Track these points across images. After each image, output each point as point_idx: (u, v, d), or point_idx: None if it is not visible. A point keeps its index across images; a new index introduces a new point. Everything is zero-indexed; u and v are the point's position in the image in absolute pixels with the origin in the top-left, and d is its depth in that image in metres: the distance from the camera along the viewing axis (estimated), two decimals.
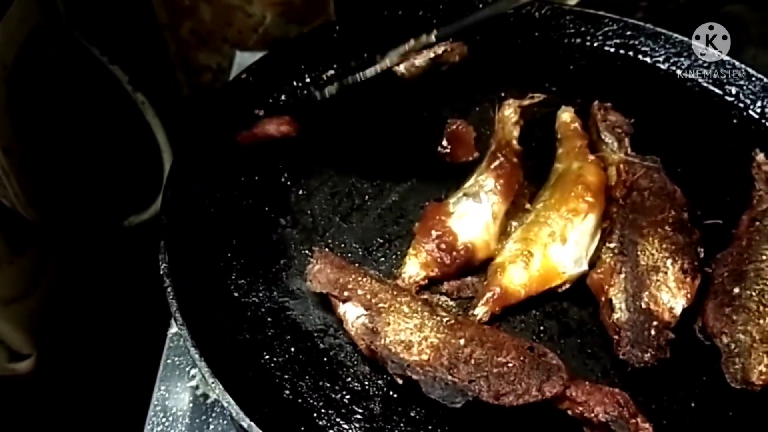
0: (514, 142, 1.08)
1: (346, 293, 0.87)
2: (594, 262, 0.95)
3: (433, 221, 0.97)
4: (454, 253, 0.94)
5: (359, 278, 0.89)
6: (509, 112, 1.12)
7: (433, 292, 0.95)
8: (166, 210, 0.97)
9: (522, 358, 0.79)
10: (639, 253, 0.92)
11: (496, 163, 1.03)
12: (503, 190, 1.00)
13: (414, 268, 0.94)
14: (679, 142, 1.15)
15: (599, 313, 0.91)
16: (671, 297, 0.88)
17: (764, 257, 0.92)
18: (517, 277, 0.91)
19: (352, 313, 0.87)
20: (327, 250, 0.95)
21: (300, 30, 1.65)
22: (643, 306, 0.88)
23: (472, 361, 0.79)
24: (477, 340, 0.81)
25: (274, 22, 1.65)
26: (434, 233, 0.95)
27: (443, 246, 0.94)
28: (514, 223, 1.00)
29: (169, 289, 0.87)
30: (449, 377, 0.78)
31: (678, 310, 0.88)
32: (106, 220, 1.62)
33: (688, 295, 0.89)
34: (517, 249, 0.94)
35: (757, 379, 0.83)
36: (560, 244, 0.93)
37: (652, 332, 0.86)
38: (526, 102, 1.15)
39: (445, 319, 0.83)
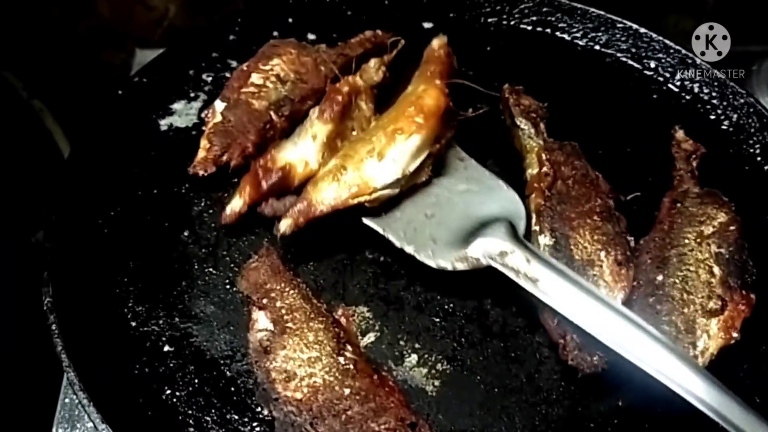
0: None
1: (265, 300, 0.82)
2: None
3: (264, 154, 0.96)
4: (272, 175, 0.92)
5: (286, 289, 0.83)
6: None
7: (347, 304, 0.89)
8: (51, 235, 0.89)
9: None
10: (572, 247, 0.88)
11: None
12: (327, 111, 0.96)
13: (236, 201, 0.92)
14: (600, 121, 1.12)
15: (540, 316, 0.86)
16: (609, 291, 0.85)
17: (687, 241, 0.90)
18: (325, 190, 0.89)
19: (260, 324, 0.81)
20: (273, 248, 0.89)
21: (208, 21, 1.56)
22: None
23: (343, 417, 0.72)
24: (362, 396, 0.74)
25: (179, 14, 1.56)
26: (259, 161, 0.94)
27: (260, 172, 0.92)
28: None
29: (53, 327, 0.80)
30: (308, 428, 0.72)
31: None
32: (12, 235, 1.51)
33: (625, 288, 0.86)
34: (334, 164, 0.91)
35: None
36: (376, 160, 0.90)
37: None
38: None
39: (342, 362, 0.76)
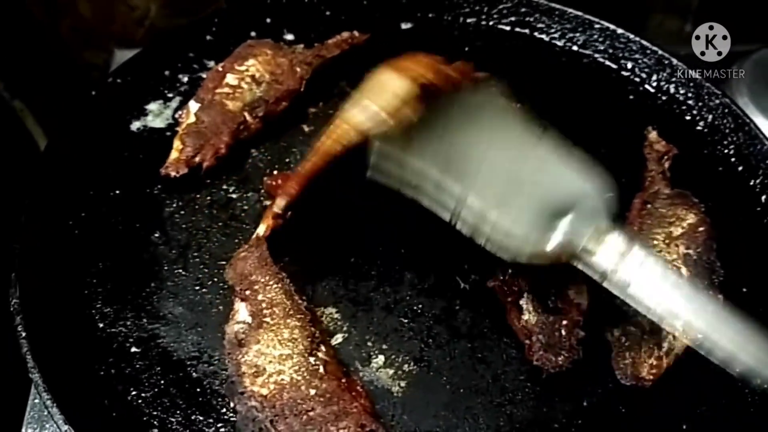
0: None
1: (247, 292, 0.82)
2: None
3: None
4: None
5: (270, 283, 0.83)
6: None
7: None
8: (20, 236, 0.89)
9: None
10: None
11: None
12: None
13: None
14: (576, 122, 1.11)
15: (507, 317, 0.86)
16: (576, 293, 0.84)
17: (655, 242, 0.90)
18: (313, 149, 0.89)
19: (239, 316, 0.81)
20: (263, 239, 0.89)
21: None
22: (551, 305, 0.83)
23: (303, 418, 0.72)
24: (326, 399, 0.73)
25: (160, 14, 1.55)
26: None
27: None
28: None
29: (20, 328, 0.80)
30: (267, 425, 0.72)
31: (584, 305, 0.84)
32: None
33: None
34: None
35: (647, 374, 0.81)
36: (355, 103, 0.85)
37: (563, 332, 0.81)
38: None
39: (312, 362, 0.76)
